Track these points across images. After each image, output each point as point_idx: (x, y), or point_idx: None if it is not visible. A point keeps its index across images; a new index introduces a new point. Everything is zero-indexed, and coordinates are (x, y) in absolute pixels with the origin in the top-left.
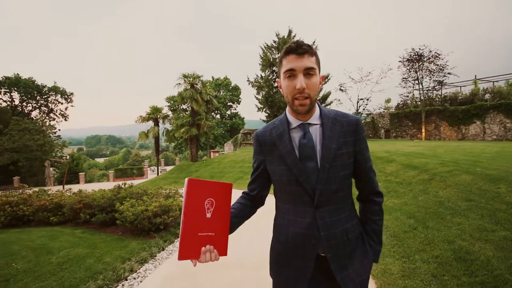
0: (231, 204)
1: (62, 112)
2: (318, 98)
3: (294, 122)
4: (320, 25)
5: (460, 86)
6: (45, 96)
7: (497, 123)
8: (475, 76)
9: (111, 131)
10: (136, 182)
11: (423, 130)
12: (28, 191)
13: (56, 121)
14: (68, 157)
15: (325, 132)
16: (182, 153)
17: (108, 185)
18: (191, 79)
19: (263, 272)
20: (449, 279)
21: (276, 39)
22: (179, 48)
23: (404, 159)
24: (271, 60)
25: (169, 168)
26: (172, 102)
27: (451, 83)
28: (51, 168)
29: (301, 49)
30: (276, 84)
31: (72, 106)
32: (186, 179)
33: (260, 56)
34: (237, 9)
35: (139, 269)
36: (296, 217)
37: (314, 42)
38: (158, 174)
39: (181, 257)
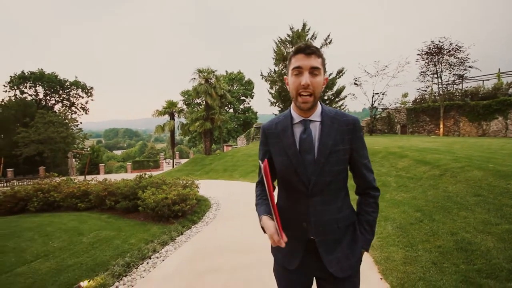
0: (257, 198)
1: (83, 106)
2: (332, 93)
3: (296, 118)
4: (334, 20)
5: (483, 80)
6: (67, 90)
7: None
8: (499, 69)
9: (128, 125)
10: (153, 173)
11: (441, 126)
12: (57, 179)
13: (78, 114)
14: (88, 149)
15: (323, 129)
16: (195, 147)
17: (126, 176)
18: (206, 73)
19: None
20: (448, 266)
21: (290, 33)
22: (192, 44)
23: (417, 154)
24: (285, 54)
25: (183, 161)
26: (186, 96)
27: (473, 77)
28: (73, 159)
29: (309, 50)
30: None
31: (92, 100)
32: (263, 162)
33: (274, 50)
34: (249, 5)
35: (161, 250)
36: (292, 203)
37: (329, 35)
38: (173, 166)
39: (283, 237)
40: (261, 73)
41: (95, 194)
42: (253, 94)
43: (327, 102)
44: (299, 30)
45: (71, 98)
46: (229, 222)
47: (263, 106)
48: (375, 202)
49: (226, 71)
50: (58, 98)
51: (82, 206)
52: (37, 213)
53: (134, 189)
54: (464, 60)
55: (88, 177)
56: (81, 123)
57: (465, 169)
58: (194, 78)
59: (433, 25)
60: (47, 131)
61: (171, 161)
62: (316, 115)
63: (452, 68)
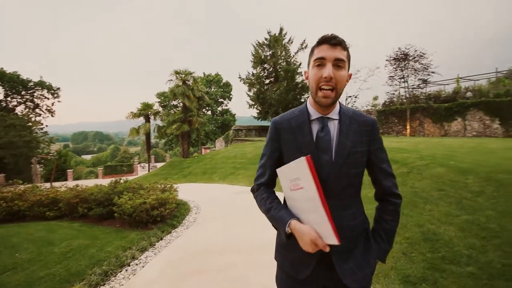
0: (268, 202)
1: (49, 108)
2: (308, 96)
3: (314, 114)
4: (311, 23)
5: (444, 85)
6: (31, 91)
7: (477, 120)
8: (458, 75)
9: (98, 127)
10: (127, 178)
11: (408, 127)
12: (21, 187)
13: (43, 117)
14: (55, 153)
15: (342, 129)
16: (172, 150)
17: (98, 182)
18: (183, 75)
19: (256, 256)
20: (416, 255)
21: (268, 37)
22: (167, 45)
23: (387, 154)
24: (263, 57)
25: (159, 164)
26: (162, 98)
27: (435, 81)
28: (37, 165)
29: (335, 40)
30: (267, 81)
31: (59, 101)
32: (305, 158)
33: (252, 53)
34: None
35: (140, 256)
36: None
37: (304, 40)
38: (149, 170)
39: (338, 238)
40: (240, 75)
41: (66, 201)
42: (231, 96)
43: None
44: (276, 34)
45: (35, 100)
46: (210, 224)
47: (241, 108)
48: (395, 210)
49: (203, 72)
50: (20, 100)
51: (50, 215)
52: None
53: (109, 195)
54: (427, 66)
55: (57, 184)
56: (46, 126)
57: (430, 166)
58: (171, 80)
59: (400, 33)
60: (8, 135)
61: (146, 165)
62: (334, 113)
63: (417, 73)
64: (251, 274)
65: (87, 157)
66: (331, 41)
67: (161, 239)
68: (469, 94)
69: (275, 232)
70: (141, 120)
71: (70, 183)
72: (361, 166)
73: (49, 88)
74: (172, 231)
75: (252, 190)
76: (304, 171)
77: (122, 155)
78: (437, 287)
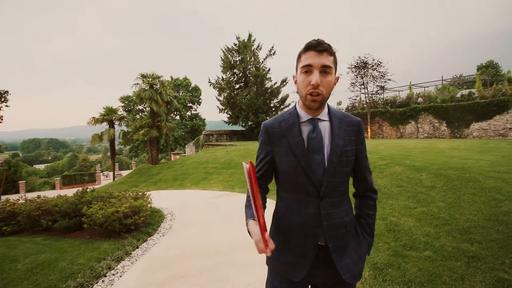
0: (248, 200)
1: None
2: (277, 101)
3: (304, 116)
4: (278, 35)
5: (399, 91)
6: None
7: (428, 123)
8: (410, 82)
9: (52, 134)
10: (93, 187)
11: (368, 130)
12: None
13: None
14: (3, 163)
15: (333, 129)
16: (138, 157)
17: (57, 193)
18: (150, 79)
19: (237, 256)
20: (381, 245)
21: (237, 42)
22: (130, 44)
23: None
24: (232, 62)
25: (124, 172)
26: (127, 102)
27: (391, 88)
28: None
29: (321, 47)
30: (237, 86)
31: (7, 106)
32: (246, 163)
33: (221, 58)
34: (199, 6)
35: (117, 266)
36: (300, 207)
37: (272, 47)
38: (114, 179)
39: (267, 246)
40: (209, 80)
41: (26, 214)
42: (200, 100)
43: (273, 109)
44: (245, 40)
45: None
46: (187, 230)
47: (211, 113)
48: (375, 205)
49: (171, 76)
50: None
51: (8, 230)
52: None
53: (76, 205)
54: (384, 74)
55: (14, 197)
56: None
57: (389, 165)
58: (137, 84)
59: (358, 42)
60: None
61: (110, 173)
62: (324, 114)
63: (376, 80)
64: (234, 275)
65: (40, 166)
66: (318, 47)
67: (137, 247)
68: (420, 99)
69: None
70: (104, 126)
71: (30, 195)
72: (351, 165)
73: None
74: (148, 239)
75: None
76: (247, 176)
77: (81, 163)
78: (400, 270)
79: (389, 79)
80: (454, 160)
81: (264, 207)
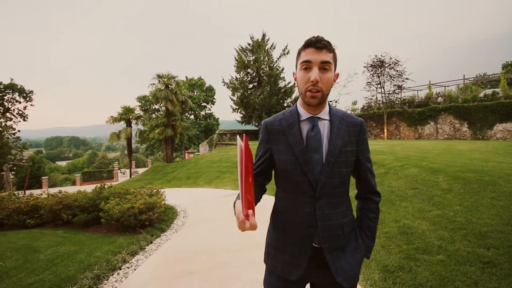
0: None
1: (20, 112)
2: (291, 101)
3: (304, 114)
4: (294, 33)
5: (417, 90)
6: (1, 94)
7: (448, 123)
8: (429, 81)
9: (74, 132)
10: (110, 184)
11: (385, 130)
12: None
13: (14, 122)
14: (28, 160)
15: (333, 128)
16: (153, 155)
17: (75, 189)
18: (166, 79)
19: (246, 254)
20: (393, 247)
21: (251, 42)
22: (146, 47)
23: None
24: (246, 62)
25: (141, 170)
26: (143, 102)
27: (409, 87)
28: (10, 173)
29: (320, 44)
30: (251, 86)
31: (32, 105)
32: (241, 137)
33: (235, 58)
34: (214, 9)
35: (131, 260)
36: (296, 206)
37: (286, 46)
38: (130, 176)
39: (246, 210)
40: (223, 80)
41: (48, 208)
42: (214, 100)
43: (286, 109)
44: (259, 40)
45: (6, 103)
46: (199, 227)
47: (225, 112)
48: (377, 208)
49: (186, 76)
50: None
51: (31, 222)
52: None
53: (94, 201)
54: (402, 73)
55: (35, 191)
56: (19, 131)
57: (405, 167)
58: (153, 84)
59: (375, 41)
60: None
61: (127, 171)
62: (324, 113)
63: (393, 79)
64: (242, 271)
65: (62, 163)
66: (317, 44)
67: (151, 242)
68: (440, 99)
69: (264, 231)
70: (122, 124)
71: (52, 190)
72: (350, 165)
73: (21, 91)
74: (162, 234)
75: None
76: (240, 148)
77: (100, 160)
78: (412, 273)
79: (406, 78)
80: (474, 163)
81: (256, 202)
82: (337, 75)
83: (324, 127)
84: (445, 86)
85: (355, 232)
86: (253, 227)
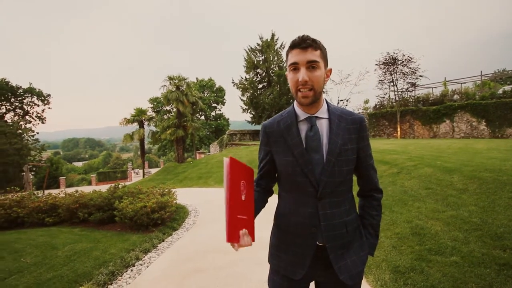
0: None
1: (39, 115)
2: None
3: (301, 115)
4: (303, 27)
5: (432, 88)
6: (20, 98)
7: (464, 122)
8: (445, 78)
9: (89, 134)
10: (124, 184)
11: (398, 129)
12: (19, 194)
13: (33, 124)
14: (46, 161)
15: (332, 127)
16: (165, 155)
17: (91, 189)
18: (177, 81)
19: (256, 254)
20: (405, 248)
21: (260, 42)
22: (157, 49)
23: (378, 155)
24: (255, 62)
25: (153, 170)
26: (155, 103)
27: (423, 85)
28: (30, 173)
29: (305, 44)
30: (260, 86)
31: (49, 108)
32: (227, 158)
33: (245, 58)
34: (217, 9)
35: (144, 257)
36: (298, 207)
37: None
38: (143, 176)
39: (229, 239)
40: (233, 80)
41: (65, 207)
42: (224, 101)
43: None
44: (268, 40)
45: (25, 106)
46: (210, 226)
47: (235, 113)
48: (379, 205)
49: (196, 78)
50: (9, 107)
51: (50, 220)
52: None
53: (109, 200)
54: (415, 70)
55: (53, 191)
56: (37, 133)
57: (418, 166)
58: (165, 85)
59: (387, 38)
60: None
61: (140, 171)
62: (322, 112)
63: (406, 77)
64: (251, 271)
65: (79, 164)
66: (301, 44)
67: (163, 240)
68: (456, 96)
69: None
70: (135, 126)
71: (69, 190)
72: (352, 164)
73: (39, 94)
74: (173, 233)
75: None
76: (225, 171)
77: (114, 161)
78: (423, 275)
79: (420, 76)
80: (492, 162)
81: (260, 208)
82: (330, 71)
83: (323, 126)
84: (461, 83)
85: (359, 230)
86: (246, 246)
